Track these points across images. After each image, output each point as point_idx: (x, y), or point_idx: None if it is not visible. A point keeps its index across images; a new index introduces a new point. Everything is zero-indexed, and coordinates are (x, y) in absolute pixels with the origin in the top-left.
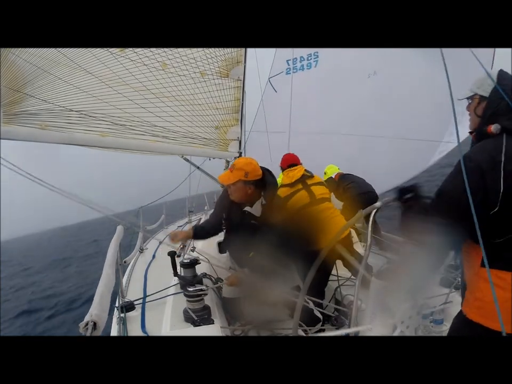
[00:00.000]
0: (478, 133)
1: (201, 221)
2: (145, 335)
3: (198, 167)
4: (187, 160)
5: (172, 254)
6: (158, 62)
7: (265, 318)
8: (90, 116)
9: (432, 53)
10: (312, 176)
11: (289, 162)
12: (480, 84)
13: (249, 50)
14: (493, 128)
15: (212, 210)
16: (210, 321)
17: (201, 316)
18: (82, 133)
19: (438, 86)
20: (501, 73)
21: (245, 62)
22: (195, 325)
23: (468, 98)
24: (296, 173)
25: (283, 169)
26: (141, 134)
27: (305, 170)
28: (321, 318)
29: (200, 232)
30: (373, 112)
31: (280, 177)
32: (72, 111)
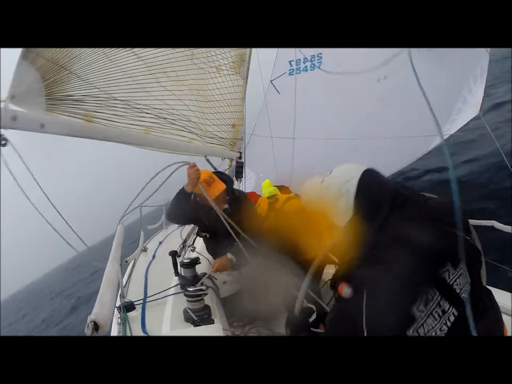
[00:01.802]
0: (332, 285)
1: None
2: (145, 335)
3: (216, 169)
4: (208, 161)
5: (173, 254)
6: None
7: (262, 310)
8: (134, 108)
9: (431, 53)
10: (276, 199)
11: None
12: (332, 207)
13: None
14: (344, 293)
15: None
16: (210, 321)
17: (201, 316)
18: (128, 128)
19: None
20: (364, 179)
21: (248, 62)
22: (195, 325)
23: None
24: (262, 206)
25: None
26: (181, 130)
27: (267, 197)
28: (315, 309)
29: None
30: (380, 114)
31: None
32: (117, 100)
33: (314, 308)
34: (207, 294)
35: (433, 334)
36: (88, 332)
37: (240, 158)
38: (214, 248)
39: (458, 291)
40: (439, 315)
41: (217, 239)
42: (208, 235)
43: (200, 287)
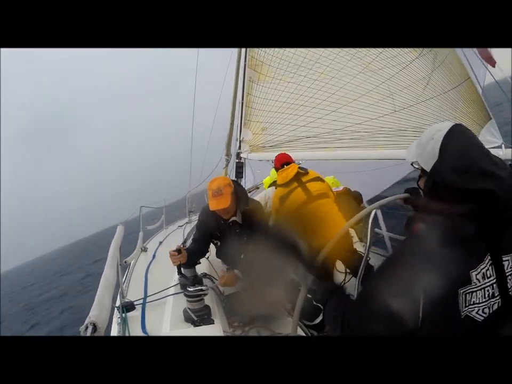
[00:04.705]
0: (407, 226)
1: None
2: (145, 335)
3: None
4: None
5: (177, 252)
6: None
7: (264, 312)
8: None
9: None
10: (306, 173)
11: (282, 161)
12: (421, 149)
13: None
14: (419, 230)
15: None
16: (210, 321)
17: (201, 316)
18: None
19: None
20: (450, 136)
21: (245, 61)
22: (195, 325)
23: (412, 164)
24: (289, 171)
25: (277, 169)
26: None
27: (299, 167)
28: (322, 307)
29: (191, 260)
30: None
31: (267, 179)
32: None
33: (321, 307)
34: (207, 294)
35: (474, 312)
36: (87, 332)
37: (239, 158)
38: (224, 255)
39: (509, 285)
40: (488, 295)
41: (226, 247)
42: (219, 243)
43: (200, 287)
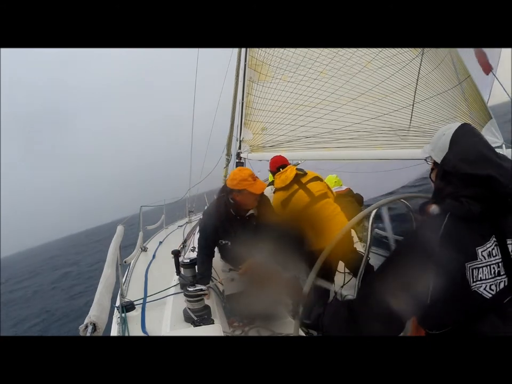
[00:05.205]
0: (420, 210)
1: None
2: (145, 335)
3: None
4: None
5: (176, 253)
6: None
7: (265, 311)
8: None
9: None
10: (305, 174)
11: (279, 164)
12: (434, 144)
13: None
14: (432, 210)
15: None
16: (210, 321)
17: (201, 316)
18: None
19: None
20: (459, 132)
21: (245, 61)
22: (195, 325)
23: (425, 159)
24: (288, 174)
25: (273, 172)
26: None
27: (296, 168)
28: (330, 291)
29: (206, 274)
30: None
31: (270, 178)
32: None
33: (330, 288)
34: (207, 294)
35: (482, 288)
36: (86, 332)
37: (239, 158)
38: (237, 254)
39: None
40: (494, 273)
41: (238, 245)
42: (229, 243)
43: (200, 287)
